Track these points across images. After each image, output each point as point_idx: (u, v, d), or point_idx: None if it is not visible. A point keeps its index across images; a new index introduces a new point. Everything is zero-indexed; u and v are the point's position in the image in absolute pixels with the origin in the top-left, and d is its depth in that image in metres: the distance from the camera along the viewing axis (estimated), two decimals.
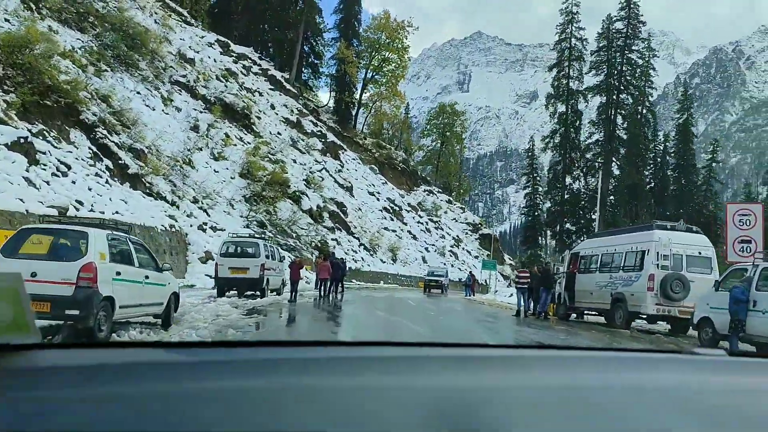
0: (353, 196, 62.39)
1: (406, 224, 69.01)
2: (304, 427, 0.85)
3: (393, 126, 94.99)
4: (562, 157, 70.39)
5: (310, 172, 53.08)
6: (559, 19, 72.82)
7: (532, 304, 21.82)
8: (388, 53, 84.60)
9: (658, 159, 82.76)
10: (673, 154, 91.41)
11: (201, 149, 40.77)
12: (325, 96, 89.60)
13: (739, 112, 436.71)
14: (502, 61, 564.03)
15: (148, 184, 27.83)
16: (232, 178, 41.65)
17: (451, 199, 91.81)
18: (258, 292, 19.53)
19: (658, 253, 16.62)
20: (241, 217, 34.84)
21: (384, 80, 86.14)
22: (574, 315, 21.69)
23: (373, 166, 76.70)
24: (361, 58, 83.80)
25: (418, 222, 73.11)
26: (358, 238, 53.26)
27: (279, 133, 56.64)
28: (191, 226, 26.04)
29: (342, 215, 53.02)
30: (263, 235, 27.91)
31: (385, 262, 55.46)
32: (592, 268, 19.97)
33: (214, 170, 40.09)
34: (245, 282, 18.99)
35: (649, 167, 77.84)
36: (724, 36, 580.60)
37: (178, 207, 28.13)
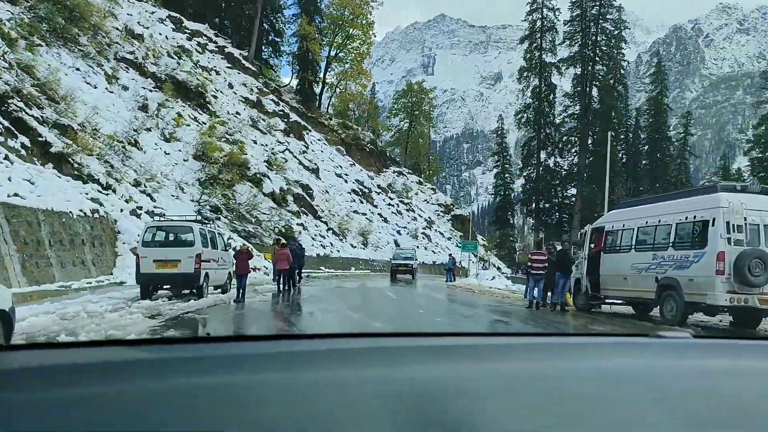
0: (320, 179, 58.29)
1: (376, 207, 65.07)
2: (281, 420, 0.84)
3: (359, 106, 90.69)
4: (537, 133, 66.95)
5: (271, 153, 48.79)
6: None
7: (537, 293, 17.71)
8: (352, 30, 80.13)
9: (630, 133, 80.00)
10: (644, 128, 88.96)
11: (150, 130, 36.58)
12: (287, 78, 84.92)
13: (698, 89, 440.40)
14: (466, 44, 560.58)
15: (76, 165, 23.48)
16: (185, 160, 37.45)
17: (422, 180, 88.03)
18: (195, 291, 15.24)
19: (728, 223, 12.36)
20: (192, 201, 30.55)
21: (349, 58, 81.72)
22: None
23: (339, 147, 72.55)
24: (324, 35, 79.22)
25: (389, 204, 69.22)
26: (326, 223, 49.19)
27: (238, 113, 52.24)
28: (122, 210, 21.68)
29: (308, 198, 48.89)
30: (207, 218, 23.51)
31: (355, 247, 51.50)
32: (624, 246, 15.50)
33: (165, 152, 35.89)
34: (176, 278, 14.59)
35: (621, 141, 74.90)
36: (683, 14, 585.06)
37: (114, 190, 23.82)
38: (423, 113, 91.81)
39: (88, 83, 33.73)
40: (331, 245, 46.48)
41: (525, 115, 68.20)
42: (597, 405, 1.04)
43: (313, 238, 44.00)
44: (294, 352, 1.14)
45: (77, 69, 33.85)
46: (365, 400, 0.94)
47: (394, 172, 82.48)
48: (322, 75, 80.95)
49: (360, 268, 48.46)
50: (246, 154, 43.72)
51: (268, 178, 43.99)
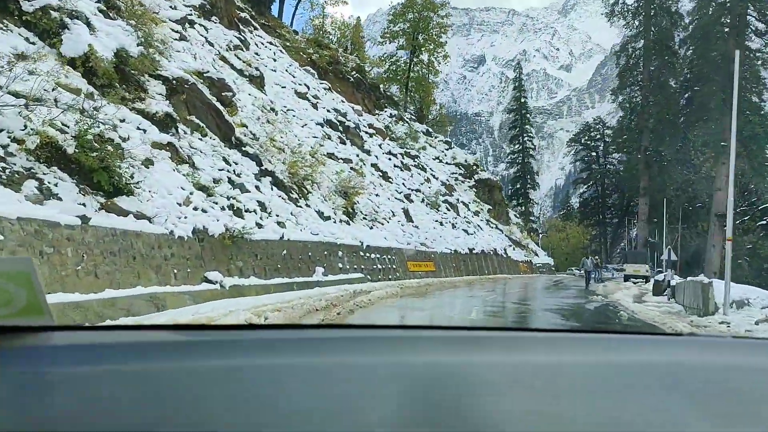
0: (263, 91, 28.81)
1: (368, 153, 35.61)
2: (298, 397, 0.86)
3: (339, 30, 60.95)
4: (644, 30, 37.46)
5: None
6: None
7: None
8: None
9: None
10: None
11: None
12: None
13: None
14: (449, 26, 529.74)
15: None
16: None
17: (430, 130, 58.57)
18: None
19: None
20: None
21: None
22: None
23: (309, 68, 42.88)
24: None
25: (389, 153, 39.73)
26: (257, 161, 19.65)
27: None
28: None
29: (213, 102, 19.37)
30: None
31: (329, 218, 21.97)
32: None
33: None
34: None
35: None
36: None
37: None
38: (431, 38, 62.04)
39: None
40: (266, 213, 17.09)
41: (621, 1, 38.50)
42: (615, 398, 0.95)
43: (207, 192, 14.57)
44: (309, 339, 1.15)
45: None
46: (375, 382, 0.92)
47: (391, 116, 52.94)
48: None
49: (339, 270, 18.99)
50: None
51: (81, 21, 14.59)
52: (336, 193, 24.23)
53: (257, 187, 18.03)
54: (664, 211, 34.69)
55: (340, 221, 22.88)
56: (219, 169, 16.51)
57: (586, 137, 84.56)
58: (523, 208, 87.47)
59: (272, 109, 27.14)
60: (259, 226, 15.80)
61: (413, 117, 57.58)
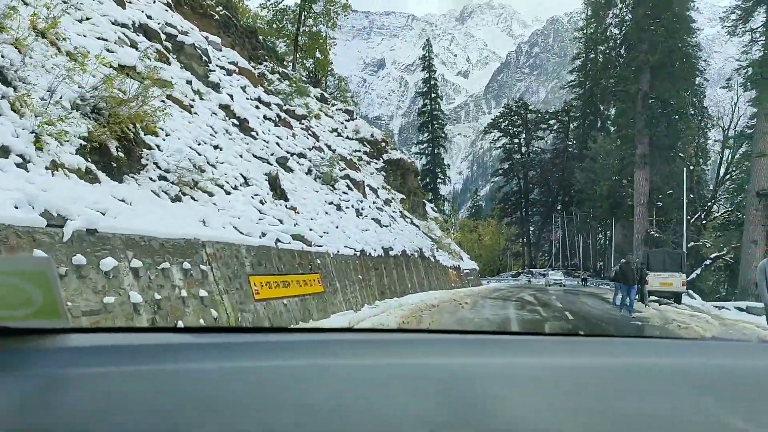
0: None
1: (216, 88, 21.00)
2: (316, 400, 0.85)
3: None
4: None
5: None
6: None
7: None
8: None
9: None
10: None
11: None
12: None
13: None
14: (349, 29, 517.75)
15: None
16: None
17: (326, 94, 44.41)
18: None
19: None
20: None
21: None
22: None
23: None
24: None
25: (257, 100, 25.21)
26: None
27: None
28: None
29: None
30: None
31: (29, 162, 7.52)
32: None
33: None
34: None
35: None
36: (559, 8, 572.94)
37: None
38: None
39: None
40: None
41: None
42: (640, 399, 0.92)
43: None
44: (326, 341, 1.14)
45: None
46: (394, 381, 0.92)
47: (272, 71, 38.45)
48: None
49: None
50: None
51: None
52: (73, 112, 9.63)
53: None
54: (684, 188, 22.60)
55: (69, 172, 8.32)
56: None
57: (507, 122, 72.83)
58: (434, 204, 75.06)
59: None
60: None
61: (305, 80, 43.25)
